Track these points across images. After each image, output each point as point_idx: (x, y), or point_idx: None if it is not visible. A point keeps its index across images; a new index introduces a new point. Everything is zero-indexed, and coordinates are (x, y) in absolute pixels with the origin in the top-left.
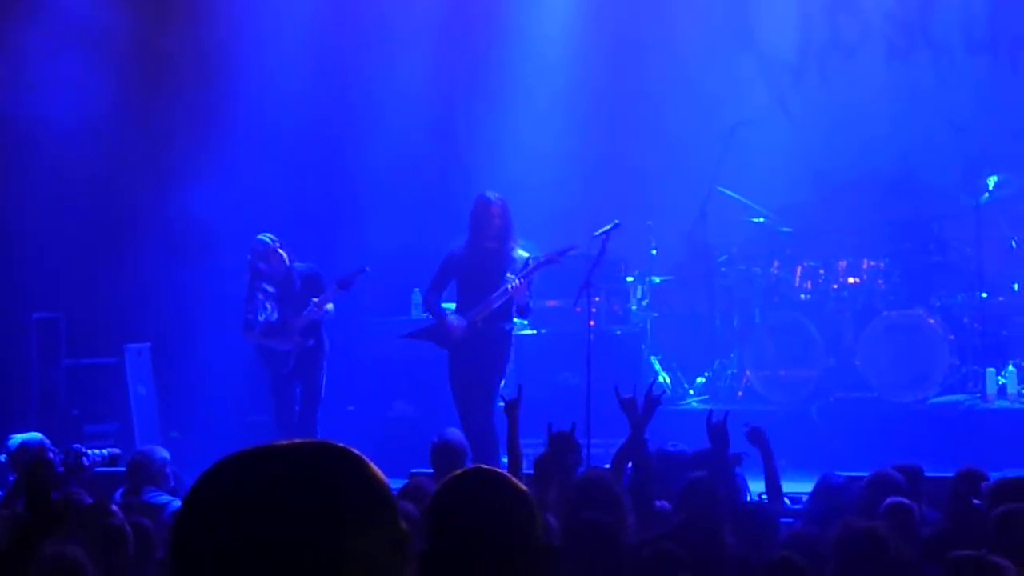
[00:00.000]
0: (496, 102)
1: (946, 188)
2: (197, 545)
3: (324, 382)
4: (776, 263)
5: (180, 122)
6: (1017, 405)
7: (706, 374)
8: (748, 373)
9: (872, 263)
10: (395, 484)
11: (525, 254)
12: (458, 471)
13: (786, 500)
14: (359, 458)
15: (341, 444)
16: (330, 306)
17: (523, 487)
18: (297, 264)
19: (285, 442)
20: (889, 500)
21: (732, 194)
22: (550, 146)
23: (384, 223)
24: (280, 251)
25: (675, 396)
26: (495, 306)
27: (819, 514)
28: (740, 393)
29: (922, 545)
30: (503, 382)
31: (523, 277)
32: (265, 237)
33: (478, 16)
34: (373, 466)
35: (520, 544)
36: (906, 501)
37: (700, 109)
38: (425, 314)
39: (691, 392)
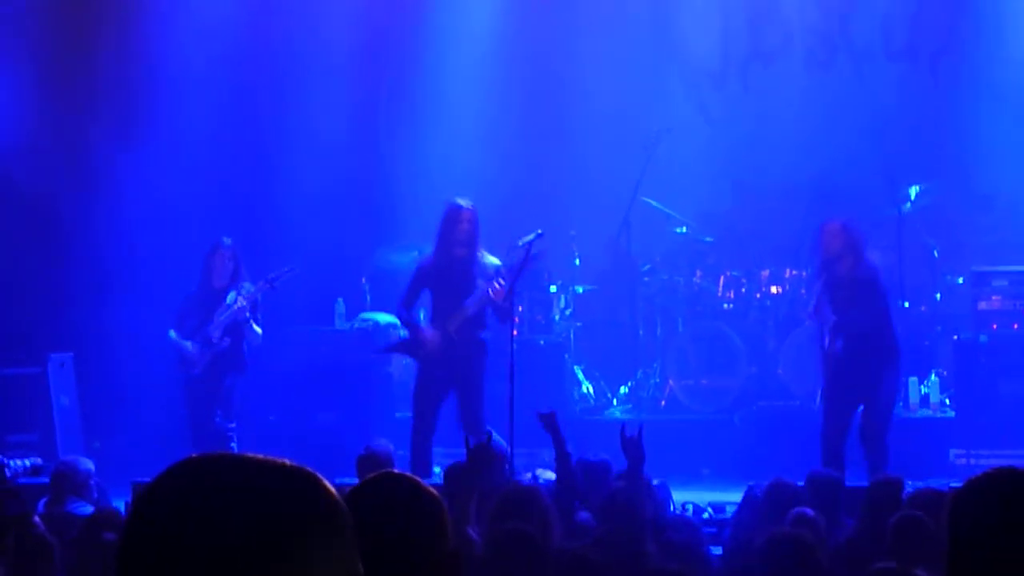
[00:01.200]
0: (419, 112)
1: (868, 197)
2: (138, 548)
3: (235, 386)
4: (699, 273)
5: (101, 129)
6: (939, 414)
7: (629, 383)
8: (671, 382)
9: (794, 272)
10: None
11: (496, 260)
12: (371, 475)
13: (708, 510)
14: (322, 484)
15: (307, 468)
16: (258, 329)
17: (435, 493)
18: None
19: (251, 455)
20: (794, 511)
21: (655, 204)
22: (473, 155)
23: (306, 234)
24: (229, 260)
25: (598, 406)
26: (470, 312)
27: (749, 523)
28: (663, 402)
29: (833, 553)
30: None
31: (505, 280)
32: (226, 240)
33: (401, 20)
34: (335, 496)
35: (426, 548)
36: (809, 512)
37: (623, 118)
38: (348, 324)
39: (614, 402)
